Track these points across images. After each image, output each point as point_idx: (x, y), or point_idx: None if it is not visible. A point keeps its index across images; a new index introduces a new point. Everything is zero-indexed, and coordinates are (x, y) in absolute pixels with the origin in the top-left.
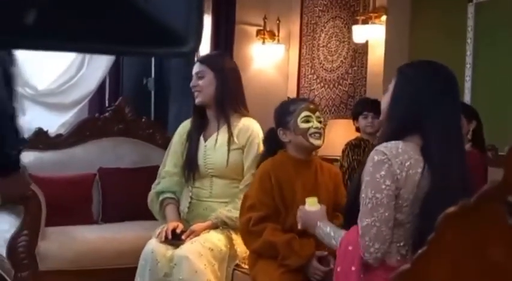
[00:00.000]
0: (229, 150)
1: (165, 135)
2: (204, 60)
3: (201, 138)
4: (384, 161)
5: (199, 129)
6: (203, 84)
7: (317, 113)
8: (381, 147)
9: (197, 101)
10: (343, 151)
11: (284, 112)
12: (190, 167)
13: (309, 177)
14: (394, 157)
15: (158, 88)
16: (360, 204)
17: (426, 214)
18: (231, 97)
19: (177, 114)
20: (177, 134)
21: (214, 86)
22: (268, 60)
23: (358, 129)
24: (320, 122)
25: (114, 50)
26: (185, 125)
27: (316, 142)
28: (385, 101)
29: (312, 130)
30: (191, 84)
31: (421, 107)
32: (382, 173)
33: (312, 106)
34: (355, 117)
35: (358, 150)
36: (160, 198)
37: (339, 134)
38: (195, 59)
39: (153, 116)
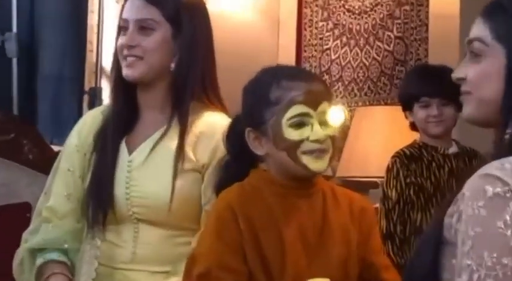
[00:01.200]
0: (176, 172)
1: (41, 143)
2: None
3: (123, 145)
4: (505, 196)
5: (121, 128)
6: (149, 45)
7: (322, 106)
8: (493, 169)
9: (130, 73)
10: (389, 169)
11: (259, 99)
12: (99, 201)
13: (310, 217)
14: None
15: (26, 54)
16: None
17: None
18: (196, 73)
19: (56, 104)
20: (74, 135)
21: (170, 49)
22: None
23: (413, 126)
24: (326, 123)
25: None
26: (93, 118)
27: (316, 166)
28: (484, 76)
29: (307, 145)
30: (125, 41)
31: None
32: (507, 218)
33: (315, 91)
34: (406, 106)
35: (417, 166)
36: (39, 261)
37: (377, 134)
38: None
39: (17, 108)
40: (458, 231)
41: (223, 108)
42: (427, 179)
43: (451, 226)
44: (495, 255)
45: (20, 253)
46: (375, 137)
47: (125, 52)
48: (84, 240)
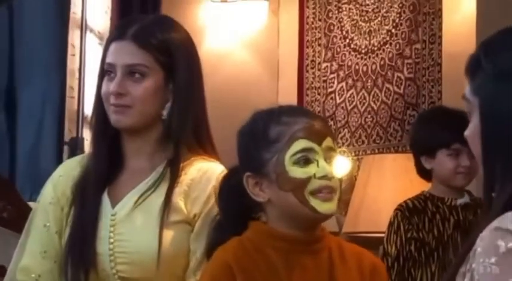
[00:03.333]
0: (162, 225)
1: (17, 200)
2: (145, 38)
3: (105, 197)
4: None
5: (104, 179)
6: (139, 93)
7: (326, 142)
8: (508, 222)
9: (120, 120)
10: (390, 223)
11: (257, 139)
12: (80, 259)
13: (315, 276)
14: None
15: (3, 105)
16: None
17: None
18: (189, 120)
19: (34, 156)
20: (49, 188)
21: (162, 96)
22: (235, 35)
23: (425, 175)
24: (332, 161)
25: None
26: (69, 169)
27: (324, 208)
28: (475, 135)
29: (314, 183)
30: (112, 88)
31: None
32: None
33: (317, 126)
34: (427, 152)
35: (419, 220)
36: None
37: (388, 185)
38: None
39: None
40: None
41: (218, 158)
42: (429, 233)
43: None
44: None
45: None
46: (385, 187)
47: (112, 100)
48: None
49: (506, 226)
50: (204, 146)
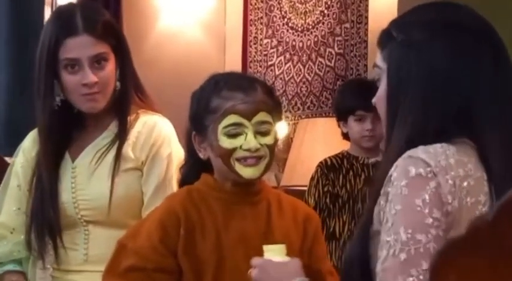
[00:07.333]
0: (114, 173)
1: None
2: (96, 28)
3: (67, 155)
4: (427, 176)
5: (64, 139)
6: (106, 77)
7: (258, 117)
8: (420, 152)
9: (93, 106)
10: (312, 178)
11: (202, 107)
12: (46, 210)
13: (254, 224)
14: (442, 170)
15: None
16: (370, 264)
17: None
18: (132, 85)
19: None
20: (20, 153)
21: (116, 75)
22: (187, 13)
23: (346, 136)
24: (264, 133)
25: None
26: (36, 136)
27: (247, 173)
28: (381, 98)
29: (239, 153)
30: (86, 80)
31: (462, 91)
32: (426, 197)
33: (252, 100)
34: (340, 117)
35: (335, 176)
36: None
37: (319, 144)
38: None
39: None
40: (385, 212)
41: (154, 107)
42: (342, 188)
43: (380, 211)
44: (410, 231)
45: None
46: (317, 147)
47: (86, 90)
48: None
49: (418, 155)
50: (146, 101)
